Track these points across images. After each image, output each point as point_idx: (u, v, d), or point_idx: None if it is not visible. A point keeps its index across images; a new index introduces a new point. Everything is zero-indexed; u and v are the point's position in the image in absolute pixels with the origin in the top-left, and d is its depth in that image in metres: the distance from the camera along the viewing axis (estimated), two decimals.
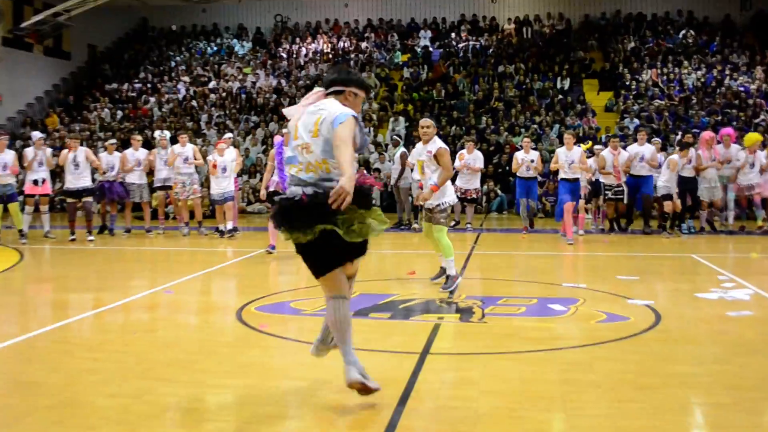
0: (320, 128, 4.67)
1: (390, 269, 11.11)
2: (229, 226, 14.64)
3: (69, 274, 10.86)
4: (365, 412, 4.72)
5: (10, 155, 14.21)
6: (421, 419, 4.62)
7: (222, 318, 7.64)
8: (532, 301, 8.28)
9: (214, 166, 14.68)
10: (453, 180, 15.35)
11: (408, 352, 6.10)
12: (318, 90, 5.13)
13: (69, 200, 14.38)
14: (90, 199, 14.52)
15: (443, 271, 8.94)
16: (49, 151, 15.09)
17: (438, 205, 8.74)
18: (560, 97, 25.22)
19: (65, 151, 14.40)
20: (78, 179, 14.19)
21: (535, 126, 23.32)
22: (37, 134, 15.55)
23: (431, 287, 9.04)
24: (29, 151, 14.69)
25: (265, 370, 5.73)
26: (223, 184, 14.66)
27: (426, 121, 8.92)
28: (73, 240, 13.99)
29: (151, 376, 5.52)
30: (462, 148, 16.94)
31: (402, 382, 5.25)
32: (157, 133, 15.90)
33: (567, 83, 26.09)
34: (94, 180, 15.15)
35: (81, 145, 15.28)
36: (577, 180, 13.62)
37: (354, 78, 5.04)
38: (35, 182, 14.52)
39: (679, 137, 17.64)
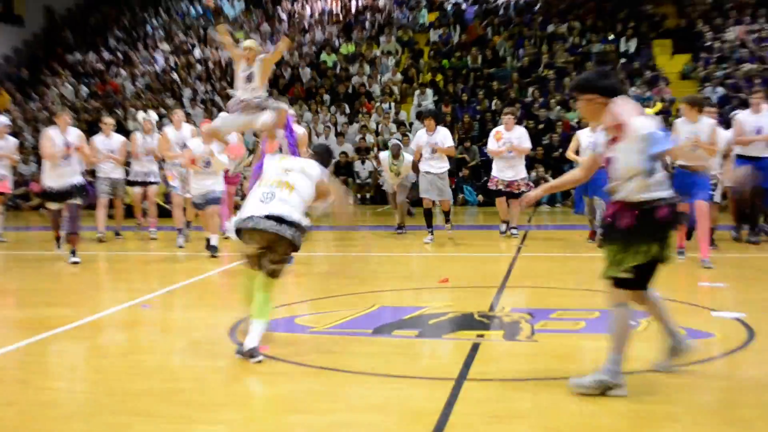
0: None
1: (417, 276, 11.09)
2: (213, 240, 12.93)
3: (25, 287, 10.92)
4: None
5: None
6: None
7: (211, 337, 7.63)
8: (594, 314, 8.21)
9: (192, 161, 12.90)
10: (488, 168, 15.05)
11: (440, 378, 6.08)
12: None
13: (50, 206, 12.86)
14: (78, 201, 12.37)
15: None
16: (12, 141, 14.95)
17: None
18: (624, 61, 25.09)
19: (51, 133, 12.40)
20: (64, 174, 12.24)
21: None
22: (1, 120, 15.30)
23: (469, 298, 9.01)
24: None
25: (267, 401, 5.72)
26: (207, 182, 12.97)
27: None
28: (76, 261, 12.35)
29: (126, 410, 5.52)
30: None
31: (434, 414, 5.22)
32: (140, 115, 15.44)
33: (633, 45, 25.96)
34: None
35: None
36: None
37: None
38: None
39: None
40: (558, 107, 23.28)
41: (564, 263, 12.06)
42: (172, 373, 6.47)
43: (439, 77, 25.63)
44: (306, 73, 26.70)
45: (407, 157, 15.39)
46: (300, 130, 11.72)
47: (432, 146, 13.99)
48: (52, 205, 12.61)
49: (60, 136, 12.15)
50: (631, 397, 5.61)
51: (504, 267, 11.21)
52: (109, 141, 15.05)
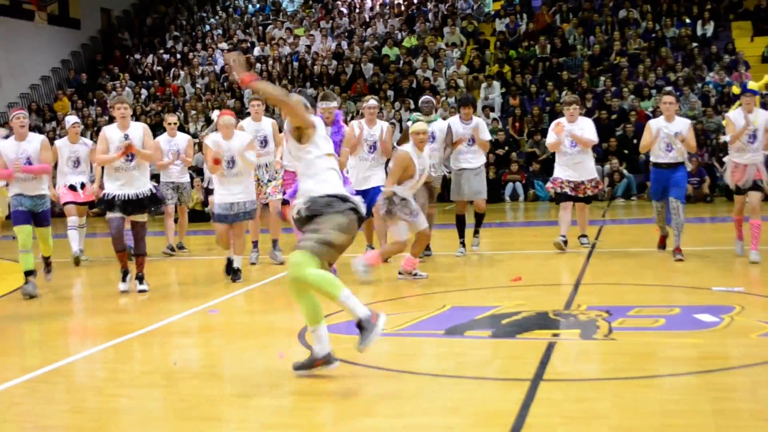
0: None
1: (489, 275, 11.11)
2: (236, 261, 11.11)
3: (96, 293, 11.20)
4: None
5: (33, 144, 10.53)
6: None
7: (281, 341, 7.74)
8: (674, 310, 8.21)
9: (216, 161, 10.64)
10: (550, 167, 13.39)
11: (516, 378, 6.11)
12: None
13: (111, 216, 10.34)
14: (144, 218, 10.48)
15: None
16: (89, 144, 13.47)
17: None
18: (701, 45, 24.81)
19: (107, 132, 10.40)
20: (131, 181, 10.25)
21: (670, 87, 23.04)
22: (71, 118, 13.81)
23: (543, 296, 9.03)
24: (61, 145, 13.28)
25: (339, 405, 5.80)
26: (235, 189, 10.91)
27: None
28: (124, 290, 10.55)
29: (197, 415, 5.66)
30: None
31: (510, 416, 5.26)
32: (214, 114, 12.23)
33: (710, 28, 25.64)
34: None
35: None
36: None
37: None
38: (72, 187, 13.25)
39: None
40: (632, 96, 23.09)
41: (641, 258, 11.97)
42: (243, 379, 6.59)
43: (506, 68, 25.57)
44: (368, 68, 26.82)
45: (440, 125, 12.39)
46: (347, 127, 11.43)
47: (467, 138, 12.37)
48: (112, 214, 10.22)
49: (118, 133, 10.14)
50: (715, 394, 5.60)
51: (579, 263, 11.19)
52: (174, 141, 13.85)
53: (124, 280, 10.44)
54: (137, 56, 29.80)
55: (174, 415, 5.70)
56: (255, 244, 12.71)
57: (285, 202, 11.48)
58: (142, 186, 10.22)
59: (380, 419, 5.37)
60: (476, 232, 12.91)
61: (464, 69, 25.88)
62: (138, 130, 10.27)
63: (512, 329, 7.73)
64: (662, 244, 11.76)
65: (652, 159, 11.27)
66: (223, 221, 10.79)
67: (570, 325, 7.80)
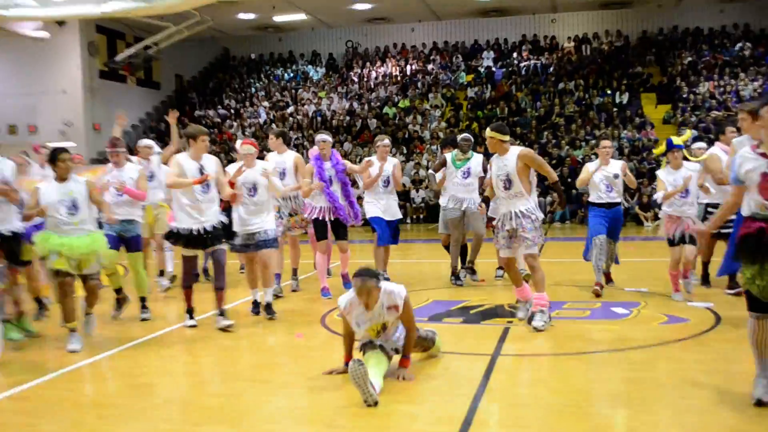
0: None
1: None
2: (268, 296, 8.02)
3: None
4: (441, 409, 4.84)
5: (132, 170, 8.25)
6: (495, 414, 4.71)
7: (306, 326, 7.71)
8: (596, 304, 8.26)
9: (232, 184, 7.69)
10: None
11: (481, 353, 6.17)
12: None
13: (185, 252, 7.49)
14: (223, 246, 7.62)
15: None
16: (156, 160, 10.13)
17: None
18: (618, 110, 24.95)
19: (180, 159, 7.46)
20: (202, 211, 7.36)
21: (594, 141, 23.11)
22: (145, 141, 10.57)
23: (500, 294, 9.09)
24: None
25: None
26: (254, 219, 7.92)
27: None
28: (192, 325, 7.61)
29: (245, 377, 5.73)
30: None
31: (476, 380, 5.35)
32: (237, 144, 8.68)
33: (626, 98, 25.75)
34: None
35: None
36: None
37: None
38: None
39: None
40: (567, 147, 23.21)
41: (572, 266, 12.00)
42: (278, 353, 6.63)
43: (474, 125, 25.59)
44: (373, 122, 26.86)
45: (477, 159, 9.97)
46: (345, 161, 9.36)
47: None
48: (188, 252, 7.44)
49: (192, 162, 7.35)
50: (626, 366, 5.66)
51: (526, 270, 11.23)
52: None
53: (191, 317, 7.59)
54: (201, 111, 29.85)
55: (228, 377, 5.75)
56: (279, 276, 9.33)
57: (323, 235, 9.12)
58: (214, 218, 7.39)
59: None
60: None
61: (443, 124, 25.92)
62: (212, 163, 7.48)
63: (478, 317, 7.80)
64: (599, 288, 8.85)
65: (593, 199, 9.00)
66: (244, 251, 7.96)
67: (520, 314, 7.81)
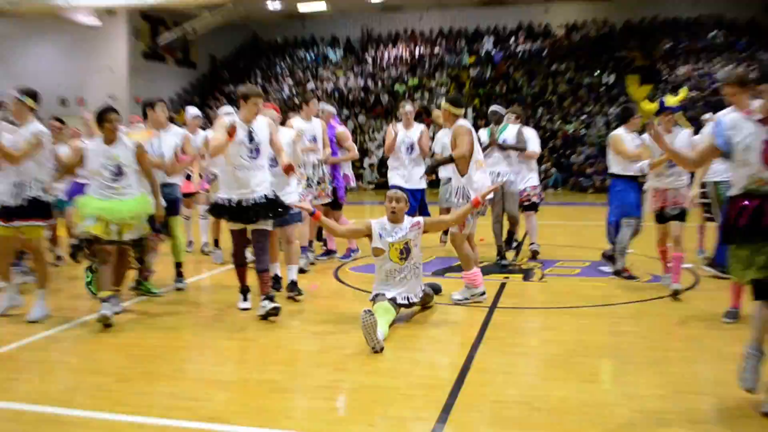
0: None
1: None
2: (292, 274, 6.39)
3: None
4: (442, 356, 4.69)
5: (174, 138, 6.69)
6: (491, 361, 4.53)
7: (321, 276, 7.55)
8: (586, 263, 8.08)
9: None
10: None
11: (479, 306, 6.01)
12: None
13: (231, 226, 5.81)
14: (268, 226, 5.83)
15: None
16: (201, 134, 8.14)
17: None
18: (606, 89, 24.55)
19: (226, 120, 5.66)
20: (249, 180, 5.66)
21: (585, 115, 22.76)
22: (192, 110, 8.65)
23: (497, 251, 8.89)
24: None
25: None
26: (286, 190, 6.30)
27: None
28: (245, 308, 5.97)
29: (261, 325, 5.56)
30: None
31: (475, 329, 5.19)
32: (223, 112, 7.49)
33: (612, 78, 25.33)
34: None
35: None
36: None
37: None
38: (188, 177, 8.46)
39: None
40: (559, 121, 22.90)
41: (565, 228, 11.82)
42: (281, 295, 6.45)
43: (476, 101, 25.28)
44: (385, 98, 26.57)
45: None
46: (341, 127, 8.60)
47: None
48: (234, 225, 5.77)
49: (242, 125, 5.62)
50: (612, 320, 5.48)
51: (522, 231, 11.05)
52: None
53: (245, 299, 5.98)
54: (232, 87, 29.59)
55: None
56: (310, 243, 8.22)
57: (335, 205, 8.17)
58: (263, 189, 5.65)
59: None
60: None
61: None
62: (264, 126, 5.77)
63: None
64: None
65: (622, 171, 7.07)
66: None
67: (516, 271, 7.68)
